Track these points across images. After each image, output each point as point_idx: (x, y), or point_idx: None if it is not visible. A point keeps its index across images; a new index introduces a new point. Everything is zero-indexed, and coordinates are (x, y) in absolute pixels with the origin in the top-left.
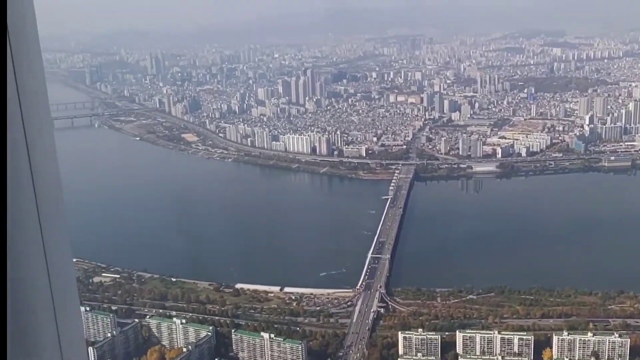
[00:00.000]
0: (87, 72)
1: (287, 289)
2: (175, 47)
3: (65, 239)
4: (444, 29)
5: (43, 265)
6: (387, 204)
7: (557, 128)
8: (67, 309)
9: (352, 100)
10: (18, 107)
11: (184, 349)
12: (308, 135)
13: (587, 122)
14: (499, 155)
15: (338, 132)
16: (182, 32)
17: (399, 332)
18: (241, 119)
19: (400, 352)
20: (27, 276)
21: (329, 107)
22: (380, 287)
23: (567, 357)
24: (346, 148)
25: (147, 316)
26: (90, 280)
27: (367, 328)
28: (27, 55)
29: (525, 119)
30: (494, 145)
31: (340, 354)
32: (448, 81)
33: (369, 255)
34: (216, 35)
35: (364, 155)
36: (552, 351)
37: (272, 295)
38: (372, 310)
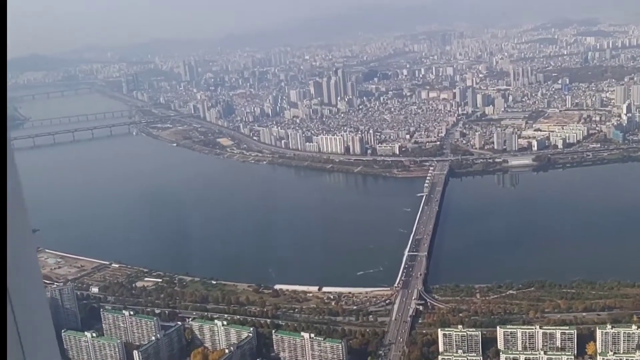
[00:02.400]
0: (124, 81)
1: (325, 289)
2: (207, 53)
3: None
4: (474, 23)
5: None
6: (422, 201)
7: (593, 118)
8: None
9: (383, 99)
10: None
11: (227, 350)
12: (341, 135)
13: (624, 111)
14: (535, 148)
15: (371, 131)
16: (213, 38)
17: (439, 330)
18: (274, 122)
19: (441, 349)
20: None
21: (360, 106)
22: (418, 284)
23: (611, 351)
24: (379, 146)
25: (190, 319)
26: (133, 284)
27: (406, 326)
28: None
29: (560, 110)
30: (530, 138)
31: (381, 352)
32: (480, 75)
33: (406, 253)
34: (247, 39)
35: (398, 153)
36: (595, 345)
37: (310, 295)
38: (410, 308)
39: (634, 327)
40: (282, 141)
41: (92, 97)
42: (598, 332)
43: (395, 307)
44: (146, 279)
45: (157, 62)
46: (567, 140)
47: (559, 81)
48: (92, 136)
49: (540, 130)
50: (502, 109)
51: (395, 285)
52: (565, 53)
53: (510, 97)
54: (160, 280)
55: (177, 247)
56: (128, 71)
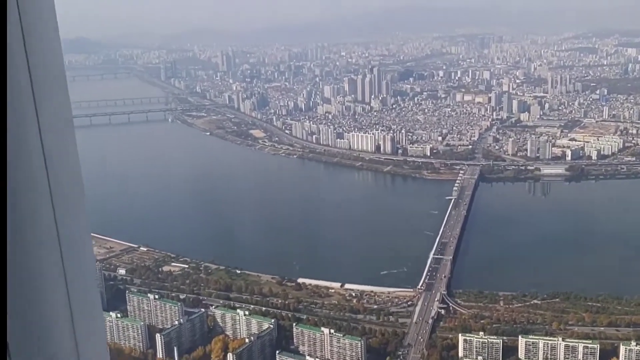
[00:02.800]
0: (162, 68)
1: (347, 286)
2: (245, 44)
3: (87, 236)
4: (514, 28)
5: (59, 265)
6: (451, 205)
7: (630, 131)
8: (86, 311)
9: (418, 99)
10: (32, 101)
11: (247, 340)
12: (373, 134)
13: None
14: (569, 158)
15: (403, 131)
16: (252, 30)
17: (460, 334)
18: (307, 116)
19: (460, 354)
20: (43, 276)
21: (394, 106)
22: (441, 288)
23: None
24: (410, 147)
25: (213, 306)
26: (160, 269)
27: (427, 328)
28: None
29: (596, 121)
30: (564, 147)
31: (400, 352)
32: (517, 81)
33: (431, 255)
34: (284, 32)
35: (429, 154)
36: None
37: (332, 291)
38: (432, 310)
39: None
40: (314, 136)
41: (131, 82)
42: (621, 348)
43: (417, 309)
44: (173, 264)
45: (196, 51)
46: (602, 152)
47: (597, 91)
48: (128, 120)
49: (575, 140)
50: (538, 117)
51: (418, 287)
52: (605, 63)
53: (547, 105)
54: (186, 266)
55: (204, 234)
56: (167, 58)
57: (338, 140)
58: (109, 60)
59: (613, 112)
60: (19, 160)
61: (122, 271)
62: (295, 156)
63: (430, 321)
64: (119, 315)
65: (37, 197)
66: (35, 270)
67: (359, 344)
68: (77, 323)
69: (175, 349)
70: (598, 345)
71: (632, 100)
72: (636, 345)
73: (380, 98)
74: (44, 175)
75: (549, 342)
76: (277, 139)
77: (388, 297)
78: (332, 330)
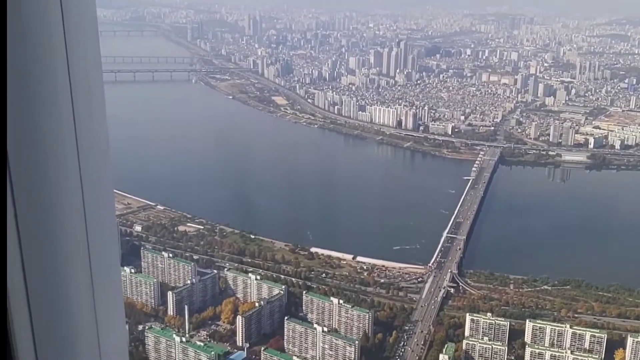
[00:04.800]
0: (189, 28)
1: (359, 258)
2: (273, 9)
3: (110, 192)
4: (546, 10)
5: (86, 260)
6: (468, 185)
7: None
8: (109, 311)
9: (443, 76)
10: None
11: (257, 304)
12: (395, 108)
13: None
14: (591, 146)
15: (426, 108)
16: None
17: (467, 314)
18: (330, 87)
19: (467, 333)
20: (69, 276)
21: (419, 82)
22: (453, 267)
23: None
24: (432, 124)
25: (225, 269)
26: (175, 228)
27: (435, 306)
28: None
29: (623, 110)
30: (587, 134)
31: (407, 327)
32: (545, 64)
33: (444, 234)
34: (313, 0)
35: (450, 133)
36: (625, 352)
37: (344, 262)
38: (442, 289)
39: None
40: (336, 107)
41: (157, 41)
42: (629, 340)
43: (427, 285)
44: (188, 224)
45: (223, 13)
46: (626, 142)
47: (626, 80)
48: (153, 79)
49: (599, 128)
50: (563, 102)
51: (430, 264)
52: (636, 52)
53: (573, 91)
54: (201, 227)
55: (221, 198)
56: (194, 19)
57: (360, 112)
58: (137, 17)
59: None
60: (47, 111)
61: (138, 228)
62: (316, 126)
63: (438, 299)
64: (132, 270)
65: (64, 147)
66: (57, 222)
67: (367, 316)
68: (96, 277)
69: (186, 307)
70: (605, 335)
71: None
72: None
73: (405, 73)
74: (71, 125)
75: (556, 328)
76: (299, 107)
77: (399, 272)
78: (341, 301)
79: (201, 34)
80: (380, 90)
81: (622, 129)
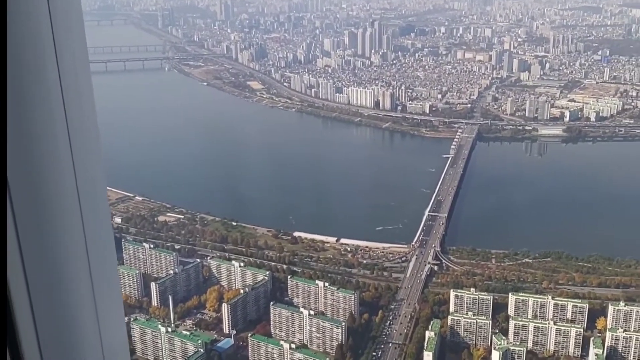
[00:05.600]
0: (160, 15)
1: (343, 240)
2: None
3: (109, 236)
4: None
5: (85, 261)
6: (448, 163)
7: (630, 93)
8: (110, 314)
9: (418, 55)
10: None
11: (242, 291)
12: (372, 89)
13: None
14: (567, 119)
15: (402, 87)
16: None
17: (451, 290)
18: (306, 69)
19: (451, 309)
20: (69, 275)
21: (394, 61)
22: (435, 244)
23: (621, 328)
24: (410, 104)
25: (208, 257)
26: (155, 219)
27: (419, 284)
28: None
29: (597, 82)
30: (563, 108)
31: (392, 306)
32: (519, 39)
33: (426, 212)
34: None
35: (428, 112)
36: (606, 321)
37: (328, 245)
38: (425, 266)
39: None
40: (312, 90)
41: (127, 29)
42: (610, 308)
43: (411, 264)
44: (168, 214)
45: None
46: (601, 114)
47: (599, 52)
48: (124, 68)
49: (574, 101)
50: (538, 76)
51: (413, 243)
52: (608, 24)
53: (548, 65)
54: (182, 216)
55: (200, 186)
56: (164, 5)
57: (337, 94)
58: (106, 6)
59: (614, 74)
60: (40, 111)
61: (117, 220)
62: (293, 109)
63: (423, 277)
64: None
65: (57, 147)
66: (55, 222)
67: (353, 297)
68: (95, 275)
69: (170, 297)
70: (587, 305)
71: (633, 62)
72: (624, 306)
73: (380, 53)
74: (62, 120)
75: (539, 300)
76: (275, 91)
77: (383, 252)
78: (326, 284)
79: (172, 20)
80: (356, 71)
81: (597, 101)
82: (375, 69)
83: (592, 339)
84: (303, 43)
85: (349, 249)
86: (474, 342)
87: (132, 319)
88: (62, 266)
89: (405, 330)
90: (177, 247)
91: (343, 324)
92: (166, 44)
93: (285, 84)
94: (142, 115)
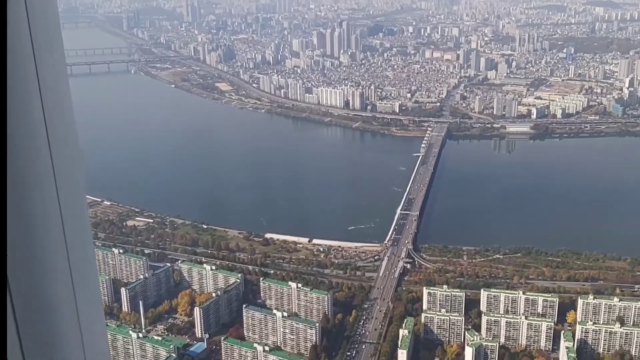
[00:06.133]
0: (125, 17)
1: (315, 241)
2: None
3: (89, 243)
4: None
5: (66, 270)
6: (418, 162)
7: (595, 90)
8: (90, 314)
9: (387, 55)
10: (32, 55)
11: (214, 294)
12: (341, 89)
13: (626, 85)
14: (534, 116)
15: (372, 87)
16: None
17: (424, 288)
18: (275, 70)
19: (425, 307)
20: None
21: (363, 61)
22: (408, 243)
23: (591, 321)
24: (379, 103)
25: (179, 261)
26: (124, 223)
27: (393, 282)
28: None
29: (562, 80)
30: (530, 105)
31: (366, 305)
32: (486, 38)
33: (398, 211)
34: None
35: (397, 111)
36: (576, 314)
37: (300, 246)
38: (398, 265)
39: (615, 299)
40: (282, 90)
41: (92, 32)
42: (579, 302)
43: (384, 263)
44: (137, 218)
45: (160, 0)
46: (567, 111)
47: (564, 50)
48: (90, 71)
49: (541, 99)
50: (505, 75)
51: (385, 242)
52: (573, 22)
53: (514, 63)
54: (151, 220)
55: (169, 189)
56: (129, 7)
57: (307, 95)
58: (70, 9)
59: (579, 71)
60: (19, 113)
61: None
62: (263, 110)
63: (396, 275)
64: None
65: (37, 152)
66: (37, 227)
67: (326, 298)
68: (76, 281)
69: (140, 302)
70: (557, 299)
71: (597, 60)
72: (593, 299)
73: (349, 53)
74: (42, 127)
75: (510, 295)
76: (244, 92)
77: (355, 252)
78: (299, 285)
79: (138, 22)
80: (325, 71)
81: (563, 98)
82: (344, 69)
83: (562, 332)
84: (271, 44)
85: (321, 249)
86: (447, 339)
87: None
88: (44, 273)
89: (379, 329)
90: (147, 251)
91: (317, 324)
92: (132, 47)
93: (254, 85)
94: (108, 119)
